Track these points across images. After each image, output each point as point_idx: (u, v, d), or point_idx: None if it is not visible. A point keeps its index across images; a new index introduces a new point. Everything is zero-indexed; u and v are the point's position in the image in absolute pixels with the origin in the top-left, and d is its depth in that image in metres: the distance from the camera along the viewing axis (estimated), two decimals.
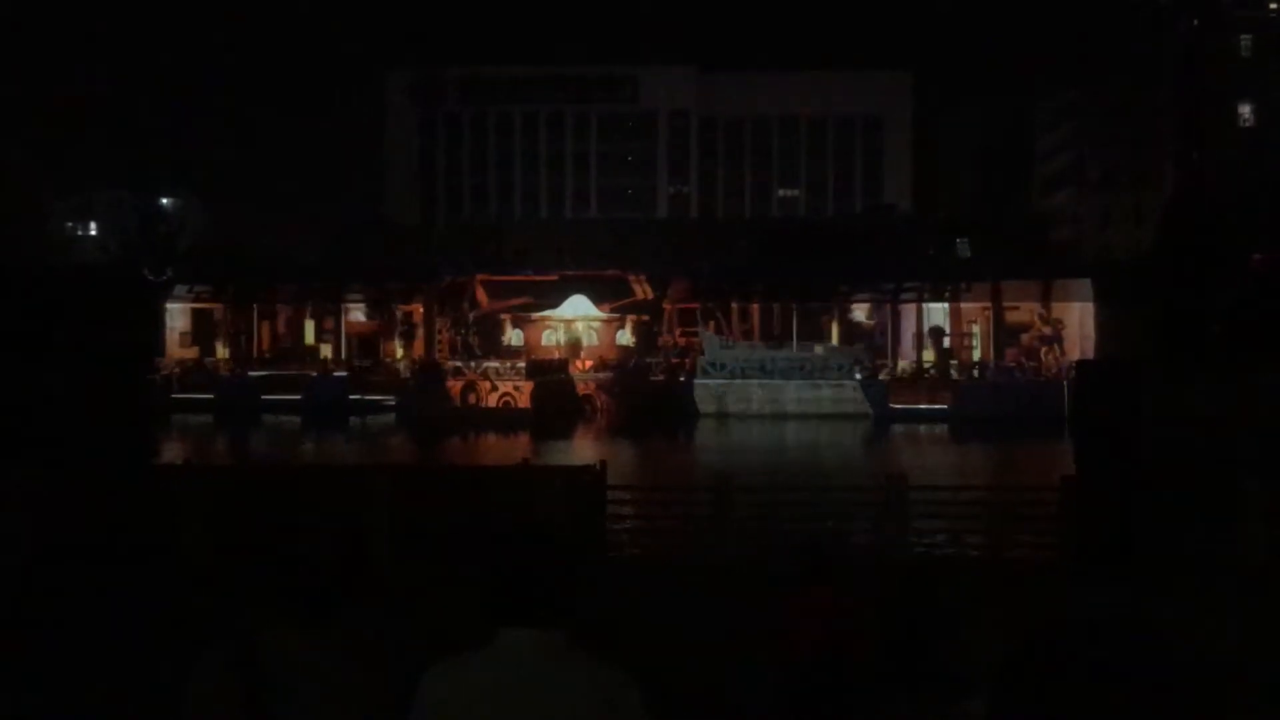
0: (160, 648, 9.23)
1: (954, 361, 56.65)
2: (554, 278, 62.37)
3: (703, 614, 11.84)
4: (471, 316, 62.36)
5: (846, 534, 15.88)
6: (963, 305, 58.67)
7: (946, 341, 57.74)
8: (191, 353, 60.59)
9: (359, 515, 14.42)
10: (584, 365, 58.01)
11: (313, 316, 62.57)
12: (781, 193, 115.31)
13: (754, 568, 13.08)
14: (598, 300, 61.76)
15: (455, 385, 54.03)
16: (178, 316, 61.65)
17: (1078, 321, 56.59)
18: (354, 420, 52.83)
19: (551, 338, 62.18)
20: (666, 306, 60.88)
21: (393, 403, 55.13)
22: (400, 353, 60.80)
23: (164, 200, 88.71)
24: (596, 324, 62.44)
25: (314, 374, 56.95)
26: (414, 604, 11.24)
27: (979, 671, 5.84)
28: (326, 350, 61.26)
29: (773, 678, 7.53)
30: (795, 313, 59.05)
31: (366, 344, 62.41)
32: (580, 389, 54.53)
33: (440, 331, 60.80)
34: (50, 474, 16.73)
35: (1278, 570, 13.33)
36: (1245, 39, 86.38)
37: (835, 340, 58.24)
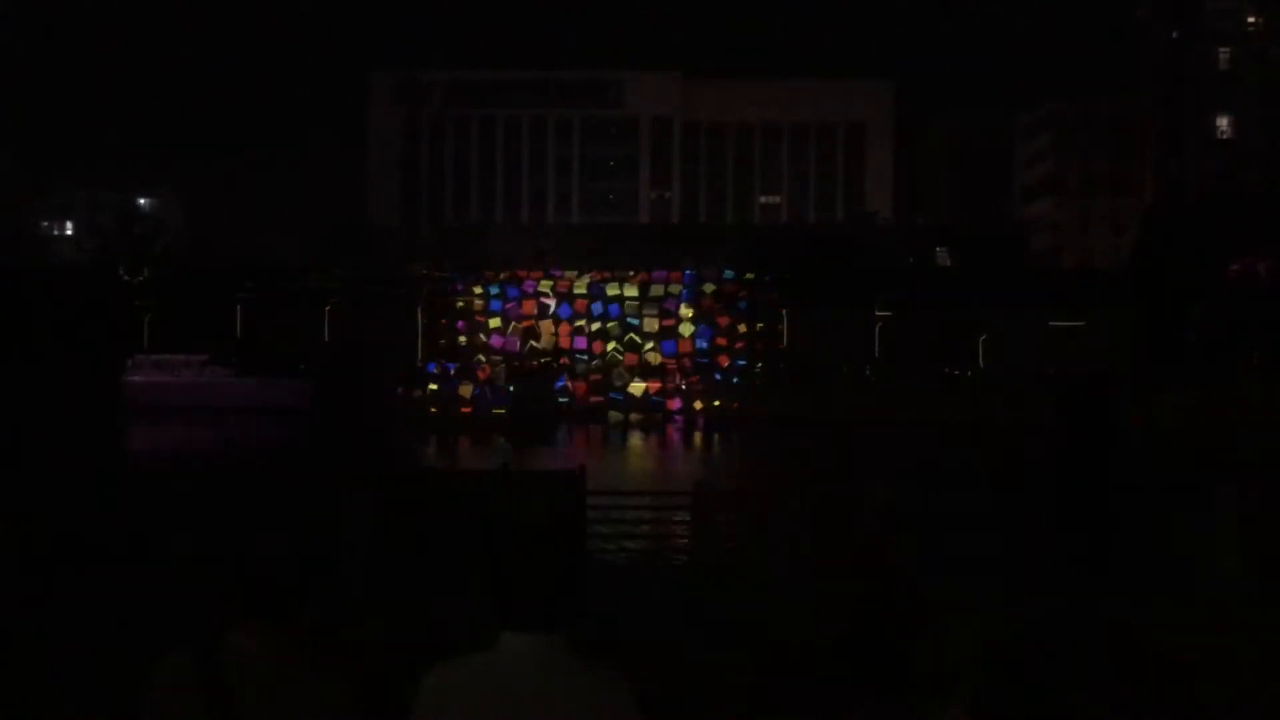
0: (128, 649, 9.14)
1: None
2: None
3: (690, 615, 11.80)
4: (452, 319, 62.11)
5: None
6: None
7: None
8: None
9: (331, 518, 14.32)
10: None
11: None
12: (763, 199, 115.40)
13: (736, 569, 13.04)
14: None
15: (435, 389, 53.80)
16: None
17: None
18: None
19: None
20: None
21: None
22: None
23: (141, 200, 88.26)
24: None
25: None
26: (389, 608, 11.16)
27: (953, 676, 5.82)
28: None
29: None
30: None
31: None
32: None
33: (422, 335, 60.53)
34: (24, 473, 16.58)
35: (1253, 574, 13.40)
36: (1224, 51, 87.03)
37: None
